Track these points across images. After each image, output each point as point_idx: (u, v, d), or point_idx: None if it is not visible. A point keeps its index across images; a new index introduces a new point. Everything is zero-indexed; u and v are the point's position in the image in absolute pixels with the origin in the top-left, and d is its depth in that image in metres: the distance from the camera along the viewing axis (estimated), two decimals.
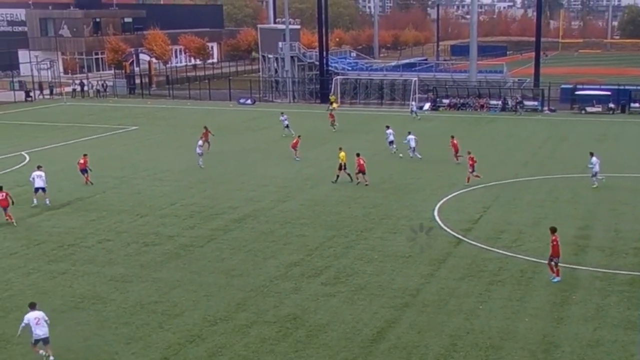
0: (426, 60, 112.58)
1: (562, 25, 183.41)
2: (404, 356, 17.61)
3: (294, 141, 42.26)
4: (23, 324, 17.65)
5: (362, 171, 34.97)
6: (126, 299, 21.34)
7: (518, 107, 61.94)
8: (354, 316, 19.86)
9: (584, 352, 17.68)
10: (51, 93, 78.71)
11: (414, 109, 60.01)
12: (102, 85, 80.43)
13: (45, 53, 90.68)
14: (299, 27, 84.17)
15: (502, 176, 36.82)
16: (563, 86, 67.83)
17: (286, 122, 50.59)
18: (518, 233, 27.29)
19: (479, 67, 73.96)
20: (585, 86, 68.02)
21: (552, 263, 22.15)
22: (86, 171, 36.10)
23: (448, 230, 27.80)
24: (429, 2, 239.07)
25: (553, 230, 22.34)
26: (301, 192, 34.25)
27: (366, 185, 34.78)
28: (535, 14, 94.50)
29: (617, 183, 35.01)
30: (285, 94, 74.70)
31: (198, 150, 40.25)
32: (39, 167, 33.07)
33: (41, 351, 17.65)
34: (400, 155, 41.63)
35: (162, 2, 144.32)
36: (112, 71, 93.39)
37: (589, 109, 61.43)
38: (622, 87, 63.77)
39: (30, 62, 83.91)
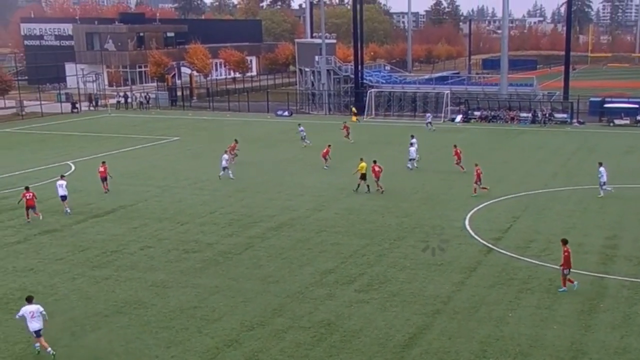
0: (458, 73, 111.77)
1: (591, 40, 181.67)
2: None
3: (325, 150, 42.99)
4: (18, 315, 18.60)
5: (377, 178, 35.85)
6: (166, 304, 21.91)
7: (544, 119, 62.54)
8: (386, 322, 20.23)
9: (611, 359, 17.91)
10: (96, 105, 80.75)
11: (429, 120, 60.68)
12: (145, 97, 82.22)
13: (90, 66, 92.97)
14: (334, 41, 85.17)
15: (531, 187, 37.02)
16: (592, 99, 67.60)
17: (304, 134, 51.27)
18: (547, 242, 27.43)
19: (509, 80, 73.60)
20: (613, 99, 67.70)
21: (565, 273, 22.31)
22: (106, 179, 36.83)
23: (479, 239, 28.10)
24: (462, 17, 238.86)
25: (564, 241, 22.57)
26: (336, 202, 34.82)
27: (382, 192, 35.65)
28: (565, 28, 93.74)
29: None
30: (322, 106, 75.69)
31: (224, 164, 39.92)
32: (62, 177, 34.26)
33: (36, 344, 18.44)
34: (416, 166, 42.43)
35: (203, 17, 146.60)
36: (155, 84, 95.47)
37: (617, 122, 61.51)
38: None
39: (76, 74, 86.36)
